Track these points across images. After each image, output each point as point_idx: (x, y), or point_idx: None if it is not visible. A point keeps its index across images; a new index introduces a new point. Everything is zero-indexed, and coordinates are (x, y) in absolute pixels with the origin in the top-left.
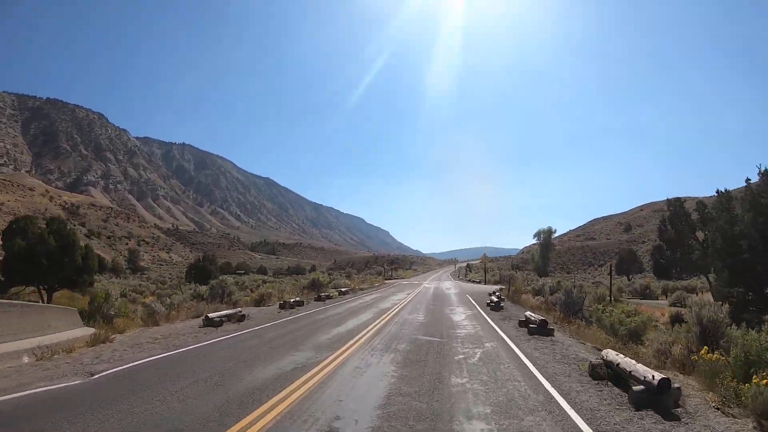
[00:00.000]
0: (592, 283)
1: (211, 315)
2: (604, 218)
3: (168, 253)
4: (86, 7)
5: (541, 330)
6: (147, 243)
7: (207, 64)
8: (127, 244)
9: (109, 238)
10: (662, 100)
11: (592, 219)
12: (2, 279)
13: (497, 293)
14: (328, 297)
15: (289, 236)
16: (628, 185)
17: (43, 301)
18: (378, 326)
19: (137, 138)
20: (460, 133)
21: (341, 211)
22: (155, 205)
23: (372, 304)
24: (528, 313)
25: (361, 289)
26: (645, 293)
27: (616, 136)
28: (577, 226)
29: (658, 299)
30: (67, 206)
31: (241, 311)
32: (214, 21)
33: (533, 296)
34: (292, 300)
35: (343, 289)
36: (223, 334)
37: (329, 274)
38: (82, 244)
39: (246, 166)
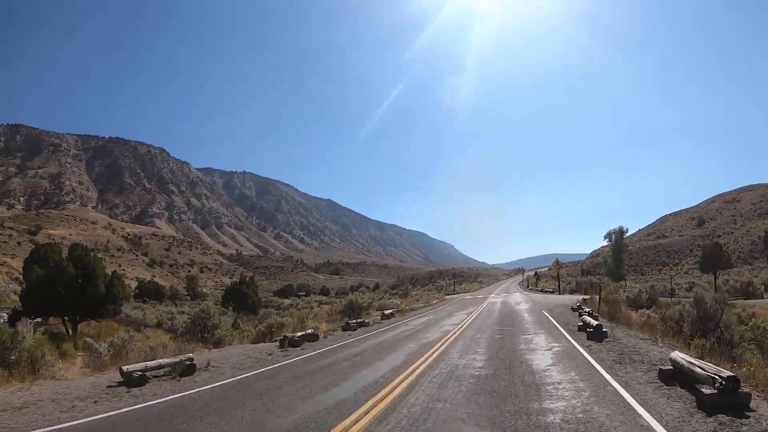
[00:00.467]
0: (685, 284)
1: (129, 368)
2: (674, 214)
3: (231, 278)
4: (144, 48)
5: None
6: (209, 269)
7: (263, 93)
8: (188, 271)
9: (171, 266)
10: (720, 89)
11: (662, 216)
12: (21, 309)
13: (583, 307)
14: (363, 324)
15: (353, 256)
16: (694, 178)
17: (68, 333)
18: (397, 392)
19: (198, 169)
20: (516, 141)
21: (404, 227)
22: (219, 233)
23: (412, 336)
24: (678, 356)
25: (413, 310)
26: (748, 291)
27: (675, 130)
28: (646, 224)
29: (762, 297)
30: (129, 237)
31: (191, 359)
32: (262, 50)
33: (630, 308)
34: (298, 335)
35: (388, 311)
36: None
37: (384, 292)
38: (108, 271)
39: (307, 190)
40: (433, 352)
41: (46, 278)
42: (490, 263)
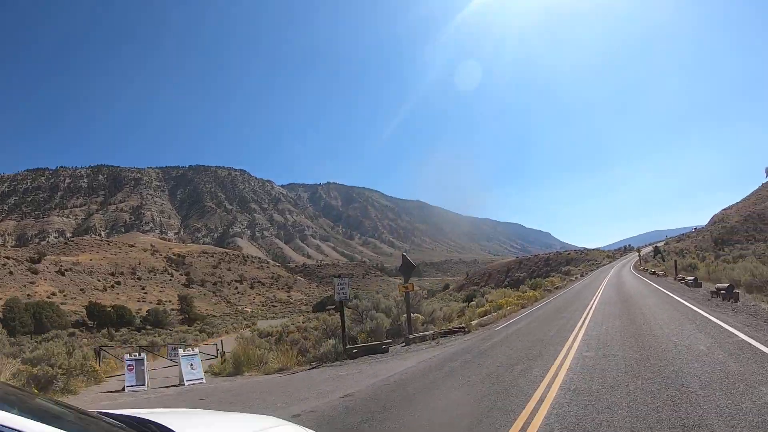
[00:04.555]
0: None
1: None
2: None
3: (288, 291)
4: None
5: None
6: (262, 284)
7: (339, 104)
8: (236, 288)
9: (215, 284)
10: None
11: None
12: None
13: None
14: None
15: (446, 254)
16: None
17: None
18: None
19: (282, 186)
20: (601, 118)
21: (498, 220)
22: (303, 245)
23: None
24: None
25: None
26: None
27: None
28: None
29: None
30: (173, 258)
31: None
32: (329, 60)
33: None
34: None
35: None
36: None
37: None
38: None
39: (394, 193)
40: None
41: None
42: (590, 247)
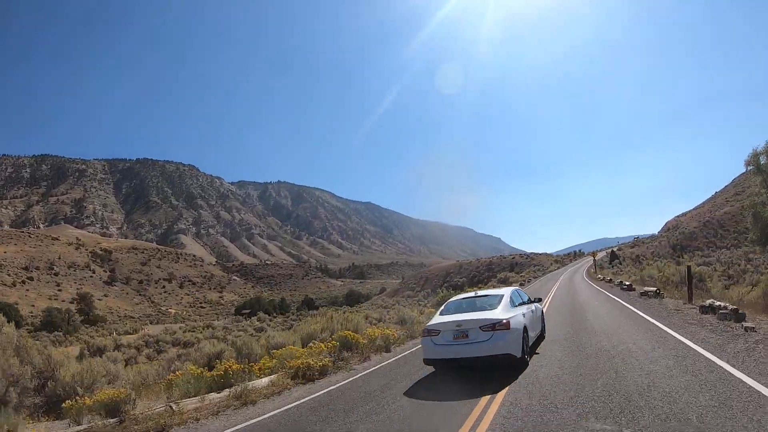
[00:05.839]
0: None
1: None
2: None
3: (220, 292)
4: (169, 69)
5: None
6: (193, 283)
7: (293, 103)
8: (164, 287)
9: (140, 282)
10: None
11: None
12: None
13: None
14: None
15: (394, 257)
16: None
17: None
18: None
19: (232, 183)
20: (552, 129)
21: (449, 224)
22: (250, 244)
23: None
24: None
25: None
26: None
27: (715, 100)
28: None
29: None
30: (99, 253)
31: None
32: (285, 60)
33: None
34: None
35: None
36: None
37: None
38: None
39: (345, 194)
40: None
41: None
42: (540, 252)
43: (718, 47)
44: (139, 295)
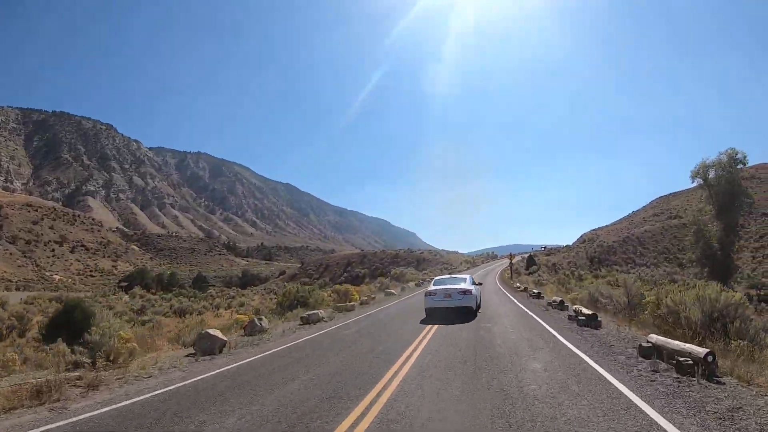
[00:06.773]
0: None
1: None
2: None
3: (115, 261)
4: (97, 19)
5: None
6: (87, 249)
7: (222, 71)
8: (53, 250)
9: (28, 242)
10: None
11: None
12: None
13: None
14: None
15: (307, 241)
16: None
17: None
18: None
19: (150, 148)
20: (479, 135)
21: (366, 214)
22: (160, 214)
23: None
24: None
25: None
26: None
27: (633, 128)
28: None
29: None
30: None
31: None
32: (223, 27)
33: None
34: None
35: None
36: None
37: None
38: None
39: (265, 173)
40: None
41: None
42: (451, 250)
43: (647, 80)
44: (24, 257)
